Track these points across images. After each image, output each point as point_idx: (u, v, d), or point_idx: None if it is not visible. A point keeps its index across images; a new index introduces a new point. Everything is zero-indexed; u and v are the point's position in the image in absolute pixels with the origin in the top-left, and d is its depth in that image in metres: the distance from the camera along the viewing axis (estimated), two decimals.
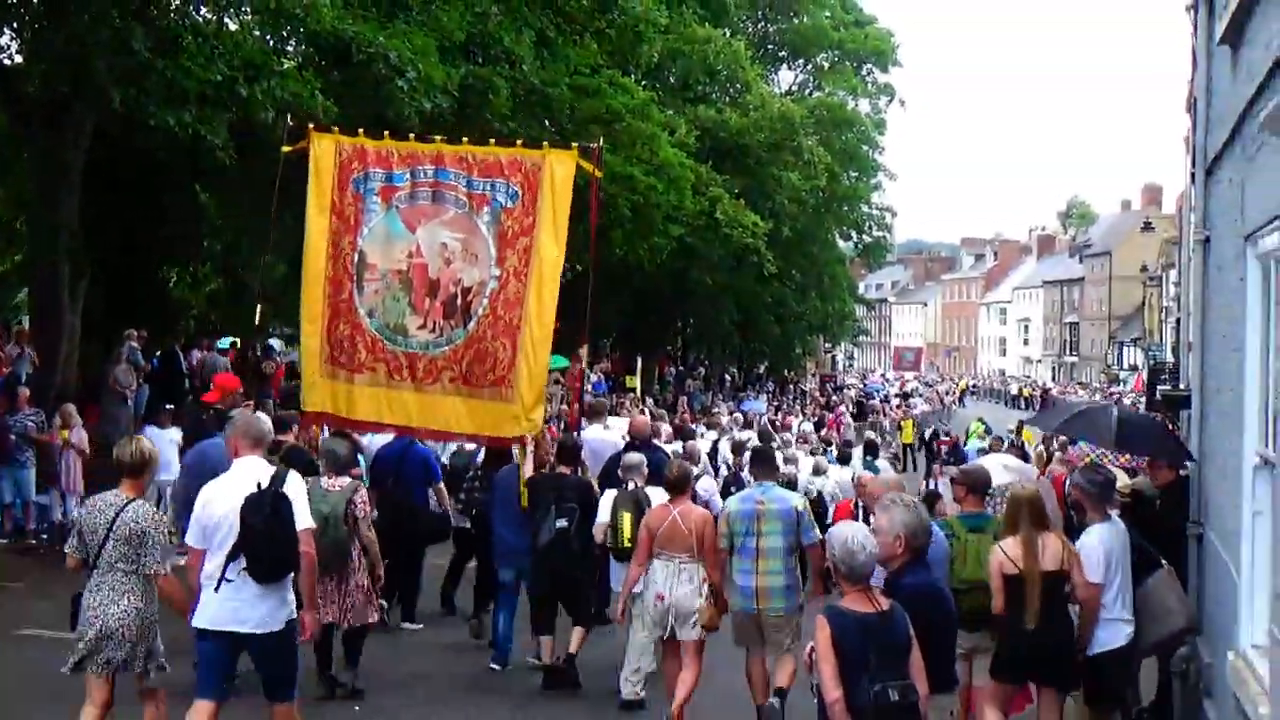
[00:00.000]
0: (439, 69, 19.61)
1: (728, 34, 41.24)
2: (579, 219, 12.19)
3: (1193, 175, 10.64)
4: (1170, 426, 12.90)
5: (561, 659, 10.23)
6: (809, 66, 54.42)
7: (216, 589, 7.10)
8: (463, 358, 10.93)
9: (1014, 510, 8.17)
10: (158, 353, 22.79)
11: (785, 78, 55.34)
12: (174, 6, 17.59)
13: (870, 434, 33.91)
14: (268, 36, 20.15)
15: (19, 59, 19.86)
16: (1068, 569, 7.97)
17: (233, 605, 7.10)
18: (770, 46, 52.53)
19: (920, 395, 65.63)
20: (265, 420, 8.24)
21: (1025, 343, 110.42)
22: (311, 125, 11.93)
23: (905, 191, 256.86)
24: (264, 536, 7.05)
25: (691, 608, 9.10)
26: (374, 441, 13.00)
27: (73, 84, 16.90)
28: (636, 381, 31.61)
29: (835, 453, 21.90)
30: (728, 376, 51.21)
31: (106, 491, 7.35)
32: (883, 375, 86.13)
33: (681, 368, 46.70)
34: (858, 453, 21.42)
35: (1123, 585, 8.21)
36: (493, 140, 12.13)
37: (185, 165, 21.40)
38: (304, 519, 7.37)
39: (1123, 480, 10.82)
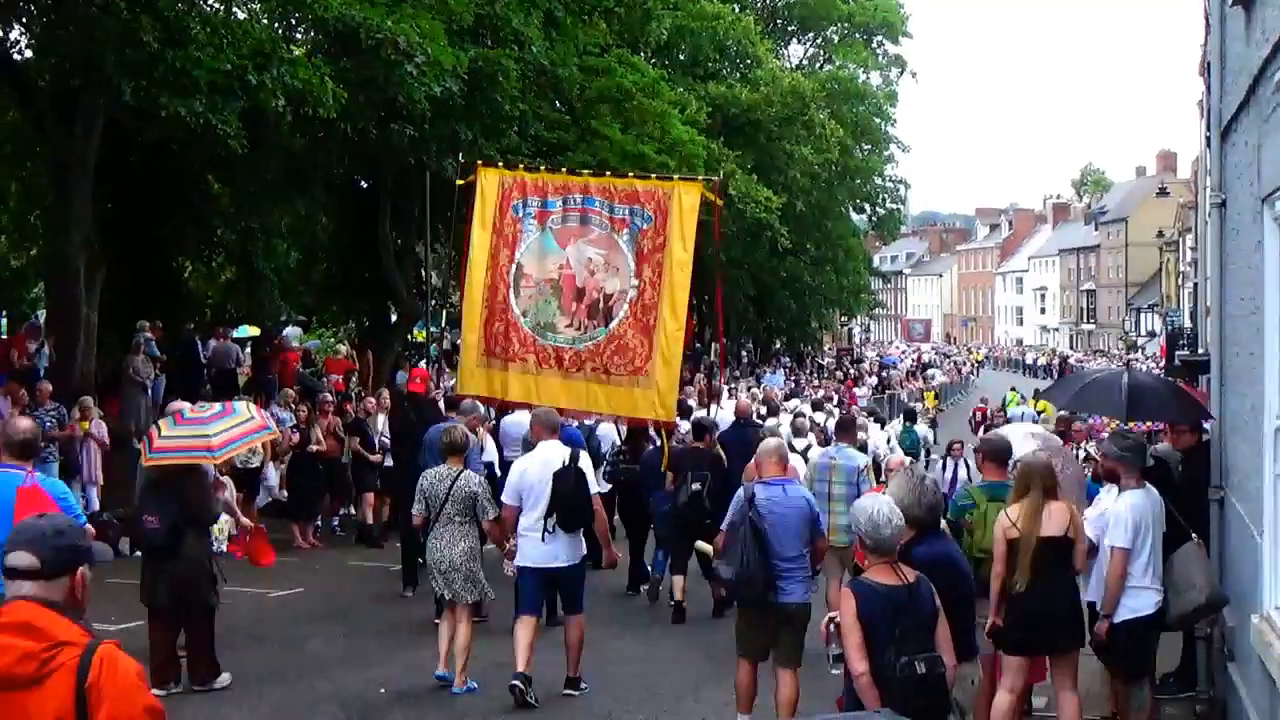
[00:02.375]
0: (448, 52, 19.57)
1: (736, 9, 41.16)
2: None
3: (1208, 139, 10.59)
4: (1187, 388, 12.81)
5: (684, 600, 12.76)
6: (819, 40, 54.24)
7: (543, 539, 9.38)
8: (604, 350, 13.15)
9: (1025, 477, 8.12)
10: (175, 343, 22.87)
11: (795, 52, 55.24)
12: None
13: (915, 403, 34.26)
14: (276, 24, 20.15)
15: (29, 54, 19.92)
16: (1073, 536, 7.93)
17: (551, 549, 9.41)
18: (779, 21, 52.31)
19: (938, 367, 65.49)
20: (555, 414, 10.62)
21: (1042, 311, 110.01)
22: (480, 161, 14.50)
23: (918, 163, 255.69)
24: (571, 499, 9.35)
25: None
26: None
27: (83, 77, 16.93)
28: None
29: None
30: (744, 352, 51.17)
31: (440, 466, 9.90)
32: (898, 347, 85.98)
33: (698, 345, 46.69)
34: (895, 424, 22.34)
35: (1153, 554, 8.18)
36: (631, 174, 14.60)
37: (197, 155, 21.44)
38: (594, 485, 9.79)
39: None
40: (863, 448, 14.68)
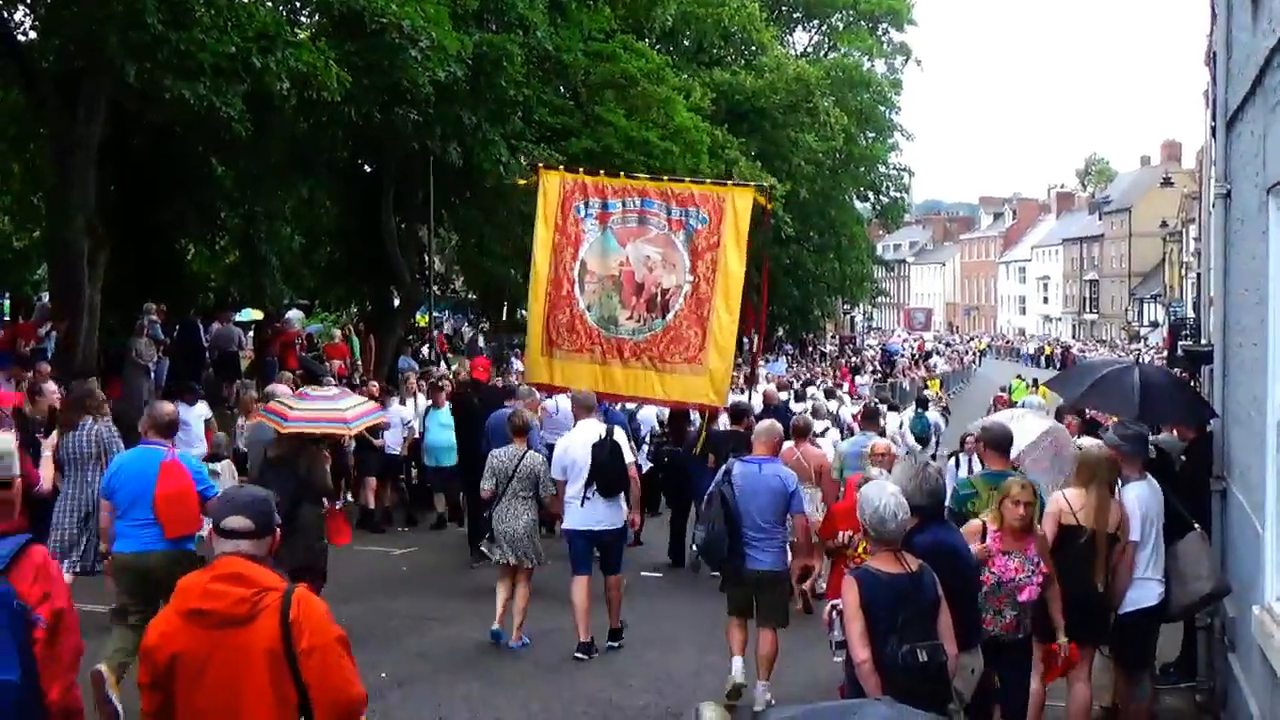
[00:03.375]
0: (452, 37, 19.54)
1: None
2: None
3: (1213, 129, 10.54)
4: (1193, 383, 12.78)
5: None
6: (824, 27, 54.17)
7: (582, 505, 10.71)
8: (661, 341, 14.28)
9: (1090, 469, 8.10)
10: (177, 325, 22.86)
11: (800, 39, 55.17)
12: None
13: (926, 391, 34.48)
14: (280, 7, 20.10)
15: (33, 35, 19.88)
16: (1121, 534, 7.97)
17: (592, 514, 10.73)
18: (784, 8, 52.19)
19: (940, 355, 65.49)
20: (592, 396, 12.24)
21: (1045, 301, 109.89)
22: (541, 164, 15.65)
23: (922, 151, 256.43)
24: (608, 469, 10.68)
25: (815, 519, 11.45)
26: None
27: (86, 58, 16.88)
28: None
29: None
30: (745, 340, 51.05)
31: (508, 446, 11.06)
32: (900, 336, 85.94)
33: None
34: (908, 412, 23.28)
35: (1155, 545, 8.19)
36: (688, 179, 16.62)
37: (201, 138, 21.40)
38: (629, 456, 11.06)
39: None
40: (882, 434, 15.57)
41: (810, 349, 55.48)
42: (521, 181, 15.40)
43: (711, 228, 14.28)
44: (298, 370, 20.79)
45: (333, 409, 10.75)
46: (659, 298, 14.46)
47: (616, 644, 10.97)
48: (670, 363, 14.33)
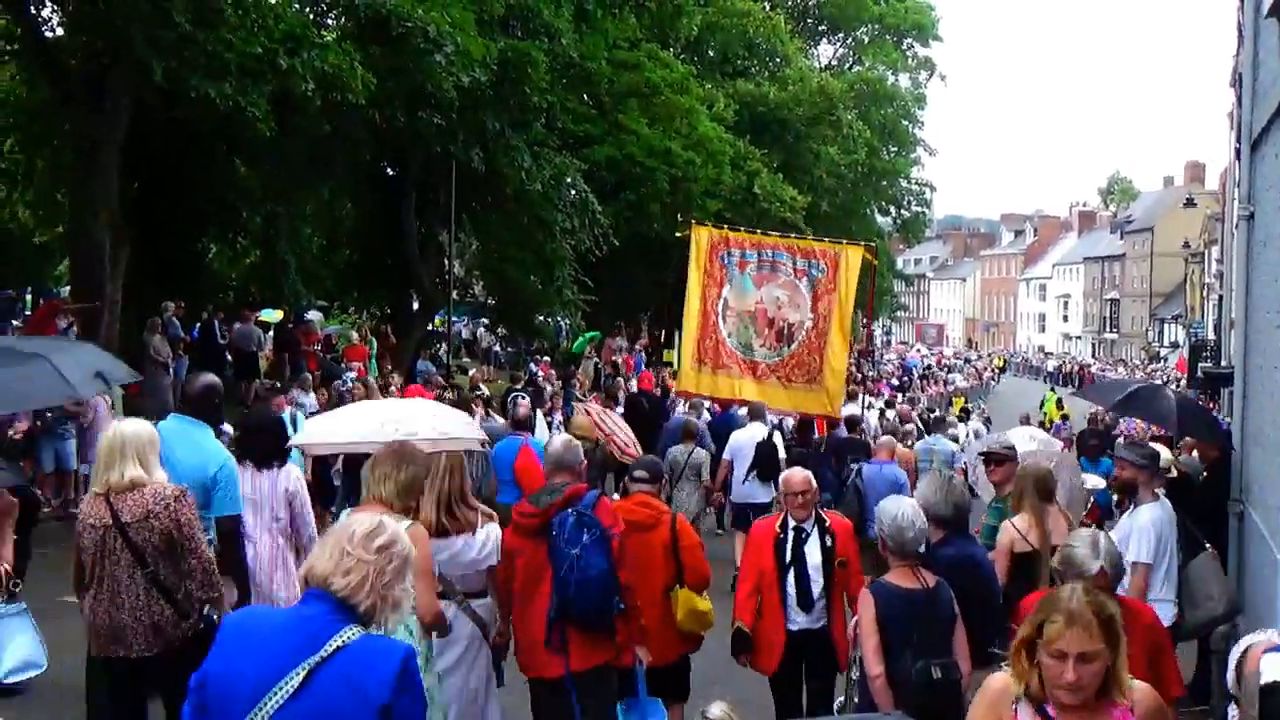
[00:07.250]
0: (477, 42, 19.60)
1: (767, 7, 41.09)
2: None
3: (1237, 150, 10.54)
4: (1212, 405, 12.81)
5: None
6: (849, 40, 54.04)
7: (743, 483, 14.37)
8: (788, 364, 17.65)
9: (1019, 485, 8.06)
10: (197, 324, 22.91)
11: (825, 51, 55.08)
12: None
13: (968, 405, 34.82)
14: (307, 9, 20.16)
15: (60, 31, 19.98)
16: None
17: (749, 490, 14.39)
18: (810, 20, 52.13)
19: (959, 372, 65.23)
20: (764, 406, 16.15)
21: (1065, 319, 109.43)
22: (694, 219, 19.39)
23: (945, 166, 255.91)
24: (769, 460, 14.19)
25: None
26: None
27: (113, 56, 16.95)
28: (674, 356, 31.64)
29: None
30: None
31: (681, 444, 14.65)
32: (918, 350, 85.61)
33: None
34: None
35: (1169, 567, 8.12)
36: (809, 237, 20.81)
37: (225, 137, 21.47)
38: (782, 453, 14.52)
39: (1166, 456, 10.74)
40: (954, 439, 20.04)
41: None
42: (680, 234, 18.76)
43: (829, 277, 17.49)
44: (317, 371, 20.84)
45: (624, 433, 14.71)
46: (786, 330, 17.75)
47: None
48: (795, 381, 17.63)
